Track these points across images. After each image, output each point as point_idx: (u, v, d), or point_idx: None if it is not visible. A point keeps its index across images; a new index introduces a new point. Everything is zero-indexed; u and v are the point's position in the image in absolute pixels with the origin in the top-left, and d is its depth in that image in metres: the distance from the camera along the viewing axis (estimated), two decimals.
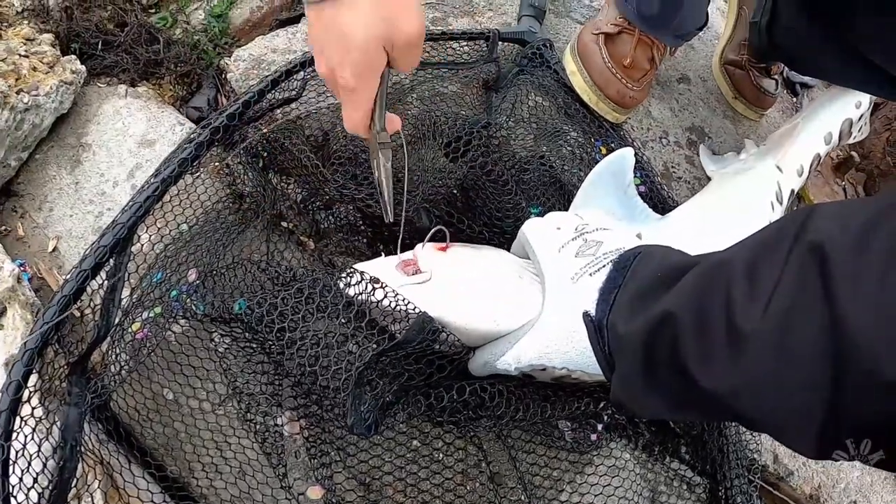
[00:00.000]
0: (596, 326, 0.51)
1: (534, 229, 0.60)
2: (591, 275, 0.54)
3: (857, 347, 0.32)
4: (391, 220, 0.56)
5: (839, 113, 0.87)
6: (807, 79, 1.05)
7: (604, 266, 0.54)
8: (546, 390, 0.62)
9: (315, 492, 0.58)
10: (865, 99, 0.88)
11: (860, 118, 0.89)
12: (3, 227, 0.70)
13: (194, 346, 0.62)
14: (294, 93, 0.70)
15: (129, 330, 0.59)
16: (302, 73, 0.70)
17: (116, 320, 0.58)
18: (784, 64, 0.97)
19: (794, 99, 1.07)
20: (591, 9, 0.96)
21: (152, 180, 0.61)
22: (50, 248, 0.69)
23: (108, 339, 0.58)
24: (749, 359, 0.38)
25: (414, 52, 0.50)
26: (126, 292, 0.60)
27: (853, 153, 1.01)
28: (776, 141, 0.86)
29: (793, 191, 0.82)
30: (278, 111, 0.71)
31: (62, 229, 0.69)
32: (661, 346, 0.44)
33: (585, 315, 0.52)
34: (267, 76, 0.66)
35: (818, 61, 0.81)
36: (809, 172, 0.84)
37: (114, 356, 0.57)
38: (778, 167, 0.81)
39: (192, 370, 0.61)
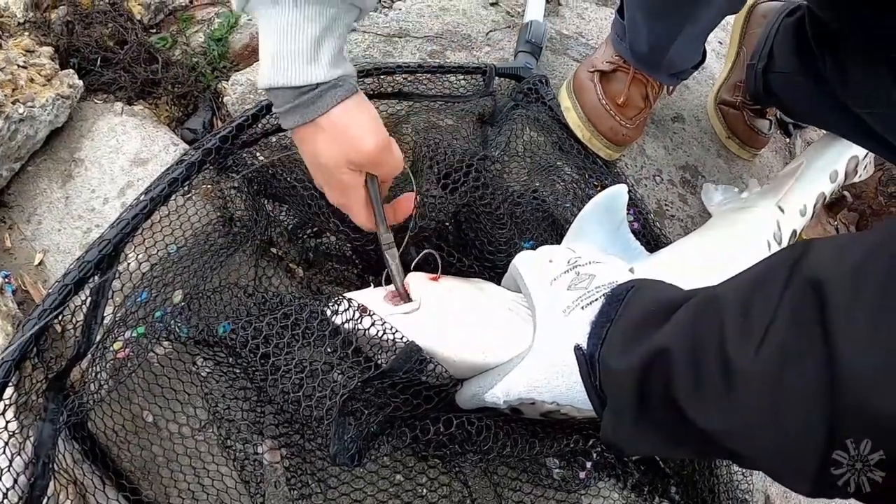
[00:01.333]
0: (587, 361, 0.51)
1: (525, 262, 0.59)
2: (582, 308, 0.53)
3: (854, 384, 0.32)
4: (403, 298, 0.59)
5: (846, 151, 0.86)
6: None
7: (596, 299, 0.53)
8: (534, 426, 0.61)
9: None
10: None
11: (866, 156, 0.88)
12: None
13: (176, 370, 0.60)
14: None
15: (111, 349, 0.58)
16: None
17: (98, 338, 0.57)
18: (779, 110, 0.99)
19: (788, 140, 1.08)
20: (589, 47, 0.97)
21: (142, 198, 0.60)
22: (36, 262, 0.68)
23: (89, 356, 0.57)
24: (743, 396, 0.37)
25: (382, 164, 0.56)
26: (109, 310, 0.59)
27: (845, 193, 1.02)
28: (780, 180, 0.85)
29: (794, 231, 0.81)
30: (273, 137, 0.71)
31: (49, 243, 0.68)
32: (653, 382, 0.44)
33: (577, 349, 0.51)
34: (262, 101, 0.67)
35: (813, 112, 0.83)
36: (814, 212, 0.82)
37: (93, 374, 0.56)
38: (779, 207, 0.80)
39: (173, 393, 0.60)
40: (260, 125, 0.68)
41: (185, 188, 0.66)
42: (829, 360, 0.33)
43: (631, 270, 0.63)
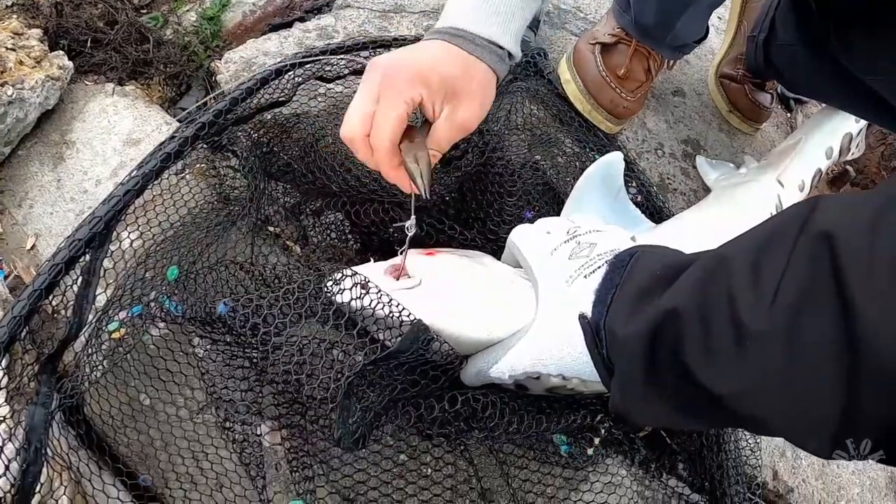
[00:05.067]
0: (593, 329, 0.49)
1: (523, 235, 0.58)
2: (585, 276, 0.52)
3: (871, 340, 0.30)
4: (428, 198, 0.53)
5: (840, 127, 0.86)
6: (800, 94, 1.06)
7: (599, 267, 0.51)
8: (540, 402, 0.59)
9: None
10: None
11: (859, 133, 0.88)
12: None
13: (172, 351, 0.59)
14: (284, 96, 0.69)
15: (105, 330, 0.57)
16: (292, 73, 0.69)
17: (91, 318, 0.56)
18: (779, 83, 0.98)
19: (789, 115, 1.07)
20: (587, 21, 0.96)
21: (134, 174, 0.58)
22: (28, 246, 0.67)
23: (81, 338, 0.55)
24: (756, 356, 0.36)
25: (451, 130, 0.54)
26: (101, 289, 0.57)
27: (848, 168, 1.01)
28: (777, 156, 0.85)
29: None
30: (268, 115, 0.69)
31: (41, 227, 0.67)
32: (662, 345, 0.42)
33: (581, 317, 0.50)
34: (255, 74, 0.65)
35: (813, 83, 0.82)
36: (811, 188, 0.83)
37: (86, 356, 0.54)
38: (779, 181, 0.80)
39: (169, 375, 0.58)
40: (254, 101, 0.66)
41: (179, 165, 0.65)
42: (845, 315, 0.32)
43: (633, 238, 0.61)
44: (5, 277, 0.65)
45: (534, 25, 0.84)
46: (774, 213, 0.77)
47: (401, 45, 0.72)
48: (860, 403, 0.32)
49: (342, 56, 0.71)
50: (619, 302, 0.48)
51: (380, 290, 0.52)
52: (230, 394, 0.58)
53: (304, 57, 0.69)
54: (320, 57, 0.69)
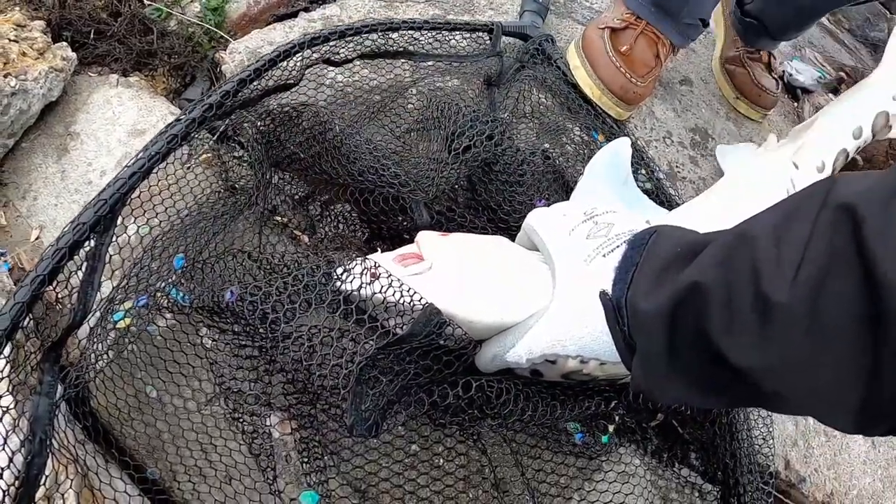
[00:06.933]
0: (614, 306, 0.48)
1: (539, 217, 0.57)
2: (604, 256, 0.51)
3: None
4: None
5: (872, 105, 0.79)
6: (807, 84, 1.05)
7: (618, 246, 0.51)
8: (554, 389, 0.59)
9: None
10: None
11: None
12: None
13: (179, 342, 0.58)
14: (293, 79, 0.68)
15: (111, 319, 0.56)
16: (300, 55, 0.67)
17: (95, 306, 0.55)
18: (767, 36, 0.98)
19: (796, 104, 1.06)
20: (592, 10, 0.95)
21: (140, 156, 0.57)
22: (33, 238, 0.66)
23: (86, 326, 0.54)
24: (780, 329, 0.35)
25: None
26: (107, 278, 0.56)
27: (857, 157, 1.00)
28: (797, 134, 0.79)
29: None
30: (273, 102, 0.68)
31: (46, 219, 0.66)
32: (685, 320, 0.42)
33: (602, 294, 0.49)
34: (264, 55, 0.64)
35: (783, 14, 0.85)
36: (834, 170, 0.77)
37: (91, 346, 0.53)
38: (794, 163, 0.76)
39: (176, 366, 0.57)
40: (262, 83, 0.65)
41: (185, 156, 0.64)
42: (869, 283, 0.31)
43: (647, 222, 0.61)
44: (10, 270, 0.64)
45: (542, 12, 0.83)
46: (787, 196, 0.75)
47: (410, 28, 0.72)
48: (883, 374, 0.31)
49: (350, 38, 0.69)
50: (640, 279, 0.47)
51: (390, 276, 0.52)
52: (238, 384, 0.57)
53: (312, 39, 0.68)
54: (328, 43, 0.68)
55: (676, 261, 0.45)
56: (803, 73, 1.04)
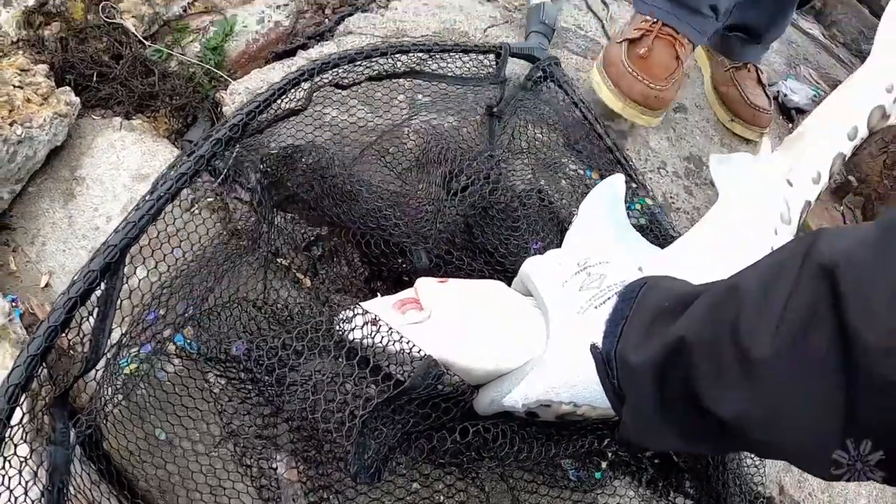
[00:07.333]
0: (604, 359, 0.50)
1: (535, 266, 0.59)
2: (596, 307, 0.53)
3: (871, 364, 0.32)
4: None
5: (867, 101, 0.76)
6: (802, 104, 1.06)
7: (609, 298, 0.53)
8: (549, 428, 0.60)
9: None
10: None
11: None
12: None
13: (187, 387, 0.60)
14: (300, 105, 0.68)
15: (121, 365, 0.58)
16: (308, 83, 0.68)
17: (106, 351, 0.56)
18: (753, 42, 0.99)
19: (791, 125, 1.07)
20: (588, 39, 0.96)
21: (147, 198, 0.57)
22: (42, 284, 0.68)
23: (96, 371, 0.56)
24: (762, 383, 0.38)
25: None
26: (116, 324, 0.58)
27: (850, 178, 1.01)
28: (790, 144, 0.77)
29: (808, 202, 0.75)
30: (273, 144, 0.70)
31: (55, 264, 0.68)
32: (673, 374, 0.44)
33: (593, 347, 0.51)
34: (273, 84, 0.63)
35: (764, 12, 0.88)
36: (832, 175, 0.75)
37: (101, 391, 0.55)
38: (788, 181, 0.74)
39: (185, 410, 0.59)
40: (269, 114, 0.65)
41: (189, 201, 0.65)
42: (845, 339, 0.34)
43: (640, 269, 0.62)
44: (21, 316, 0.66)
45: (548, 34, 0.85)
46: (779, 222, 0.74)
47: (419, 50, 0.73)
48: (859, 421, 0.34)
49: (358, 63, 0.70)
50: (630, 332, 0.49)
51: (390, 328, 0.53)
52: (246, 429, 0.59)
53: (322, 64, 0.68)
54: (335, 68, 0.68)
55: (665, 315, 0.47)
56: (798, 93, 1.05)
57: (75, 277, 0.53)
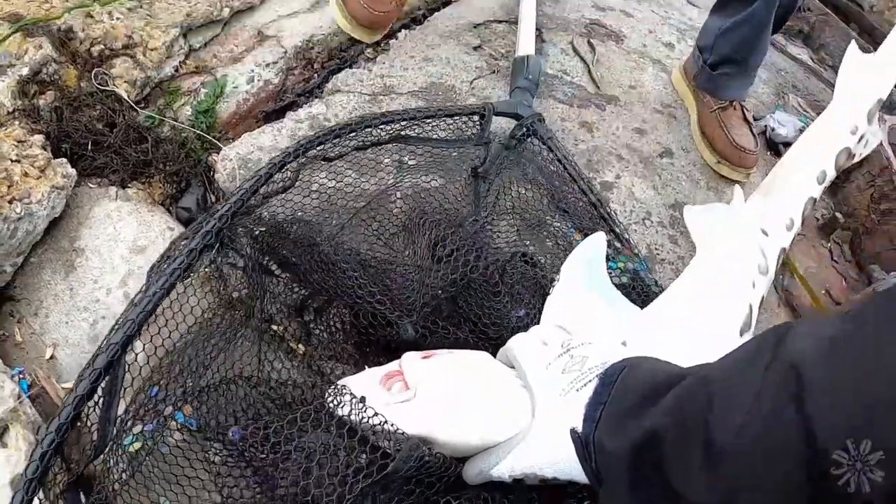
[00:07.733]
0: (583, 442, 0.54)
1: (521, 346, 0.61)
2: (577, 390, 0.56)
3: (830, 461, 0.35)
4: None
5: (832, 145, 0.78)
6: (790, 137, 1.07)
7: (590, 381, 0.56)
8: (532, 493, 0.63)
9: None
10: (862, 121, 0.79)
11: (861, 140, 0.79)
12: (2, 332, 0.71)
13: (189, 458, 0.63)
14: (288, 181, 0.71)
15: (125, 444, 0.61)
16: (295, 163, 0.70)
17: (112, 434, 0.60)
18: (740, 75, 1.01)
19: (778, 160, 1.08)
20: (574, 85, 0.97)
21: (143, 296, 0.61)
22: (47, 356, 0.71)
23: (105, 455, 0.59)
24: (728, 474, 0.40)
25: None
26: (122, 406, 0.61)
27: (837, 214, 1.03)
28: (763, 191, 0.79)
29: (783, 248, 0.78)
30: (265, 212, 0.72)
31: (58, 336, 0.71)
32: (645, 462, 0.47)
33: (573, 432, 0.54)
34: (260, 170, 0.66)
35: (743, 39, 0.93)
36: (804, 219, 0.77)
37: (108, 468, 0.58)
38: (763, 231, 0.77)
39: (187, 480, 0.63)
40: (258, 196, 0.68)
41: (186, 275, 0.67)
42: (806, 434, 0.36)
43: (623, 343, 0.65)
44: (28, 387, 0.69)
45: (532, 90, 0.86)
46: (757, 274, 0.77)
47: (403, 119, 0.75)
48: None
49: (344, 138, 0.72)
50: (607, 418, 0.52)
51: (375, 413, 0.56)
52: (245, 501, 0.62)
53: (309, 142, 0.70)
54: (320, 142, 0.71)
55: (640, 403, 0.50)
56: (786, 126, 1.05)
57: (81, 374, 0.56)
